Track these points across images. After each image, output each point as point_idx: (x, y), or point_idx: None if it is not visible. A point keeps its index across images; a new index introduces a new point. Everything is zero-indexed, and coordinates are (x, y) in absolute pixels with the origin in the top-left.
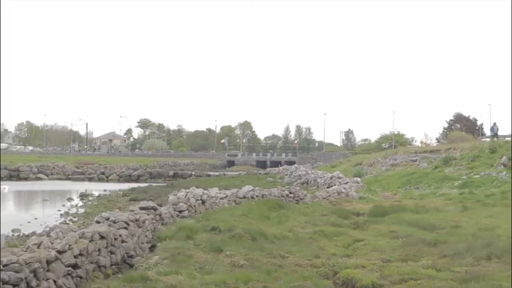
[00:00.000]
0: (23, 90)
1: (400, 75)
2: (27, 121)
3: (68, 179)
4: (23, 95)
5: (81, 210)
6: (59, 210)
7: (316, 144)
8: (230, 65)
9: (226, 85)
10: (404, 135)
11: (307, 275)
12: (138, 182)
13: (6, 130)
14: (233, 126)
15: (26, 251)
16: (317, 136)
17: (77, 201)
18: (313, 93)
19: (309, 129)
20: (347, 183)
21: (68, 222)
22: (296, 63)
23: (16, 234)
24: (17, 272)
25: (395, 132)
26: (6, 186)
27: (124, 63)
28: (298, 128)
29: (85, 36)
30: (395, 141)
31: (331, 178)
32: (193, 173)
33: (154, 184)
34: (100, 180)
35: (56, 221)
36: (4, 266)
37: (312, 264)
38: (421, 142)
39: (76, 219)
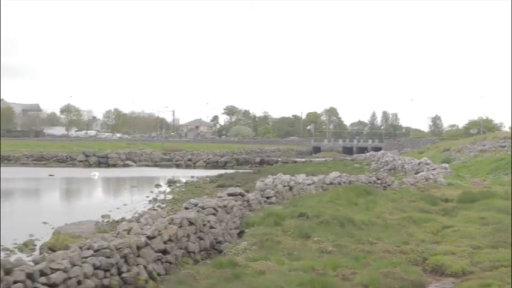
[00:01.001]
0: (111, 78)
1: (488, 59)
2: (115, 108)
3: (155, 165)
4: (111, 83)
5: (169, 197)
6: (147, 197)
7: (403, 130)
8: (317, 52)
9: (312, 72)
10: (492, 120)
11: (396, 261)
12: (225, 169)
13: (94, 117)
14: (319, 112)
15: (116, 237)
16: (404, 122)
17: (164, 187)
18: (399, 78)
19: (395, 115)
20: (435, 169)
21: (156, 208)
22: (382, 49)
23: (106, 220)
24: (108, 257)
25: (484, 118)
26: (96, 173)
27: (210, 50)
28: (385, 114)
29: (170, 25)
30: (483, 127)
31: (418, 164)
32: (279, 159)
33: (241, 170)
34: (187, 166)
35: (145, 207)
36: (95, 251)
37: (400, 250)
38: (510, 128)
39: (164, 205)
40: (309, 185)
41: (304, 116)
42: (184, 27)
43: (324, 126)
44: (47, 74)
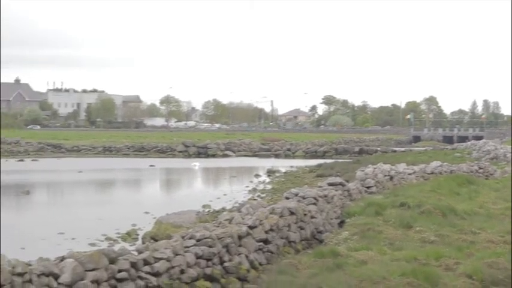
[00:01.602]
0: (210, 69)
1: None
2: (214, 99)
3: (254, 155)
4: (210, 73)
5: (269, 187)
6: (247, 187)
7: (505, 119)
8: (417, 41)
9: (412, 61)
10: None
11: (500, 251)
12: (324, 158)
13: (193, 108)
14: (418, 101)
15: (218, 226)
16: (505, 110)
17: (264, 177)
18: (501, 66)
19: (496, 103)
20: None
21: (256, 198)
22: (482, 37)
23: (207, 210)
24: (210, 246)
25: None
26: (197, 163)
27: (309, 41)
28: (486, 102)
29: (267, 17)
30: None
31: None
32: (378, 148)
33: (340, 160)
34: (286, 156)
35: (244, 197)
36: (198, 240)
37: (504, 240)
38: None
39: (264, 195)
40: (409, 174)
41: (403, 105)
42: (283, 19)
43: (423, 115)
44: (147, 66)
